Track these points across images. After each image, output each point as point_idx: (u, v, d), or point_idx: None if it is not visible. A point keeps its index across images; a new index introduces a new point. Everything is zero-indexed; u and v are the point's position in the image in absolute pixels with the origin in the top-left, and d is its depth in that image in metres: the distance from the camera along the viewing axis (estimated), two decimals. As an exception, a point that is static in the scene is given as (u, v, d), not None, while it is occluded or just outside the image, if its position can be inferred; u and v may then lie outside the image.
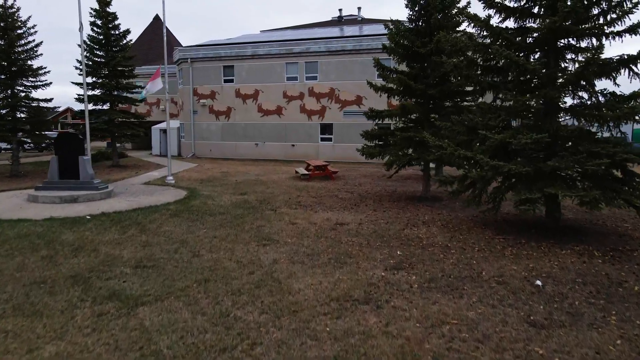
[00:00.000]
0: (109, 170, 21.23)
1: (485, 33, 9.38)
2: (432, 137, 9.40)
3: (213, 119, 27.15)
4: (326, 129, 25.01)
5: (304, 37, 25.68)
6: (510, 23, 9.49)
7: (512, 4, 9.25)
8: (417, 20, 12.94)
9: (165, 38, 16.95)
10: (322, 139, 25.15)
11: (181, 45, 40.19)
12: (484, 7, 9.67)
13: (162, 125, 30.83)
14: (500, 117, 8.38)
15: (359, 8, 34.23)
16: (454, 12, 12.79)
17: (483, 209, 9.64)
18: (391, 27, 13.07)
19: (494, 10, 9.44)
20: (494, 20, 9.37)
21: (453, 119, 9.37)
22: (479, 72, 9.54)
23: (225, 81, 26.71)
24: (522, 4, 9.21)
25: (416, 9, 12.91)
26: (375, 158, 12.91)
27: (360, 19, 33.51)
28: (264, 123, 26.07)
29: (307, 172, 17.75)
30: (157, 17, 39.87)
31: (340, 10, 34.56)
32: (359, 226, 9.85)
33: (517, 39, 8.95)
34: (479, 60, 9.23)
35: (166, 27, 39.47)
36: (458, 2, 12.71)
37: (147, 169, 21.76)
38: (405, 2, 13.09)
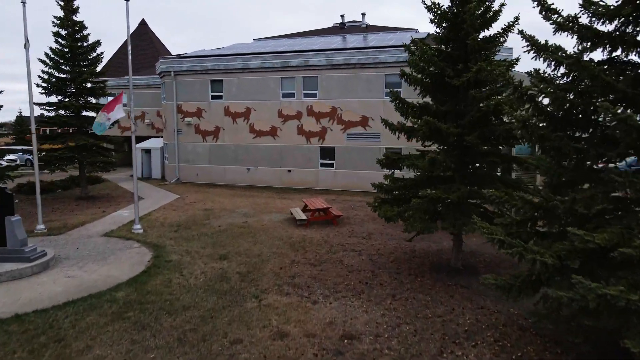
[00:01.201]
0: (74, 206, 18.21)
1: (561, 70, 6.44)
2: (484, 224, 6.41)
3: (199, 140, 24.12)
4: (327, 153, 22.01)
5: (302, 49, 22.67)
6: (596, 54, 6.57)
7: (604, 28, 6.29)
8: (448, 40, 9.95)
9: (130, 57, 13.96)
10: (323, 165, 22.13)
11: (169, 53, 37.23)
12: (555, 30, 6.73)
13: (145, 143, 27.85)
14: (600, 206, 5.39)
15: (364, 14, 31.14)
16: (492, 23, 9.83)
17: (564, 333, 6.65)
18: (413, 48, 10.10)
19: (573, 36, 6.51)
20: (564, 45, 6.45)
21: (517, 196, 6.38)
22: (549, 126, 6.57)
23: (213, 97, 23.69)
24: (617, 25, 6.25)
25: (445, 25, 9.93)
26: (394, 222, 9.87)
27: (364, 25, 30.40)
28: (257, 145, 23.05)
29: (304, 218, 14.75)
30: (143, 22, 36.83)
31: (342, 16, 31.47)
32: (376, 344, 6.85)
33: (614, 78, 5.97)
34: (556, 112, 6.26)
35: (154, 34, 36.14)
36: (499, 16, 9.72)
37: (119, 203, 18.74)
38: (431, 17, 10.11)
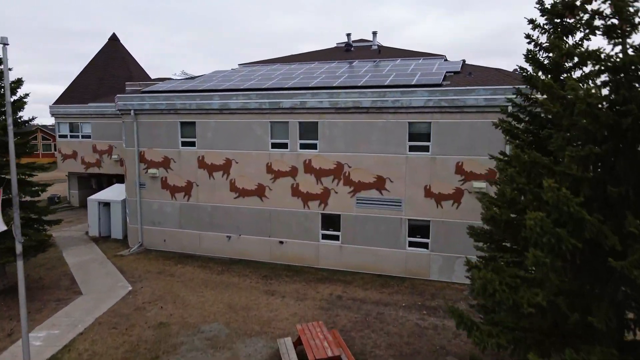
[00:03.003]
0: (-24, 315, 13.02)
1: None
2: None
3: (167, 197, 18.92)
4: (331, 222, 16.81)
5: (298, 85, 17.40)
6: None
7: None
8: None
9: (8, 97, 8.79)
10: (325, 237, 16.92)
11: (146, 76, 32.00)
12: None
13: (103, 194, 22.57)
14: None
15: (374, 33, 25.60)
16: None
17: None
18: (505, 157, 4.99)
19: None
20: None
21: None
22: None
23: (184, 144, 18.51)
24: None
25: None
26: None
27: (376, 47, 25.03)
28: (239, 207, 17.85)
29: (297, 375, 9.55)
30: (114, 37, 31.62)
31: (348, 35, 26.03)
32: None
33: None
34: None
35: (127, 51, 30.31)
36: None
37: (44, 304, 13.49)
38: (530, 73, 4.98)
